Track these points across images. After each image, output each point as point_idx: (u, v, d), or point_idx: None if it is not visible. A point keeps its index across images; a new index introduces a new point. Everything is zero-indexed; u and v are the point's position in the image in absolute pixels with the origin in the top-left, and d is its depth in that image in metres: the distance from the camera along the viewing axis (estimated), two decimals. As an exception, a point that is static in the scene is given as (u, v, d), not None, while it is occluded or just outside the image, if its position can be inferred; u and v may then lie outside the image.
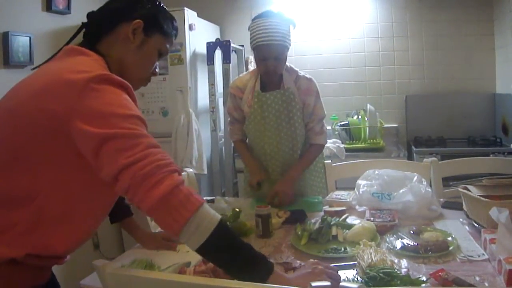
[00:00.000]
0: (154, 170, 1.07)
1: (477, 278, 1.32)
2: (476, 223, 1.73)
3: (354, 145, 3.79)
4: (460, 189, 1.84)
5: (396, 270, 1.32)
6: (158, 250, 1.71)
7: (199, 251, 1.11)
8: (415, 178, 2.09)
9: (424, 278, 1.31)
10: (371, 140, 3.77)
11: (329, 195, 2.30)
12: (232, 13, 4.27)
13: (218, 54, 3.79)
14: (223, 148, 3.86)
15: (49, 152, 1.14)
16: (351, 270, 1.43)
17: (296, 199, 2.28)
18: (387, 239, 1.65)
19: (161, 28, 1.40)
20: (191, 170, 2.49)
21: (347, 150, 3.66)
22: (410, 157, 3.69)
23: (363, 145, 3.77)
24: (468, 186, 1.83)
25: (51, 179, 1.16)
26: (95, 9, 1.43)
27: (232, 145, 3.74)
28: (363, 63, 4.21)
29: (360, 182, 2.14)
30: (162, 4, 1.45)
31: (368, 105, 3.84)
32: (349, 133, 3.91)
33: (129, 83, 1.27)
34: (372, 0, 4.17)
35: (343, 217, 1.88)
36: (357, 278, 1.34)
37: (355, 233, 1.69)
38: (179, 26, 3.42)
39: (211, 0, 4.32)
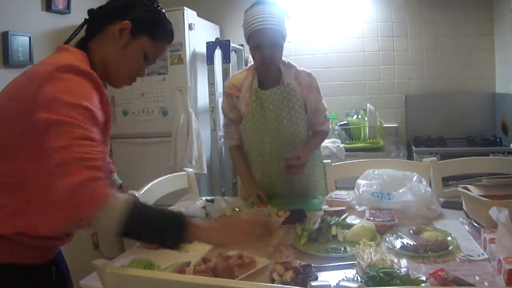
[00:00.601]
0: (70, 161, 1.09)
1: (477, 278, 1.33)
2: (476, 223, 1.73)
3: (353, 145, 3.79)
4: (460, 189, 1.84)
5: (395, 269, 1.32)
6: (158, 249, 1.70)
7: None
8: (414, 178, 2.09)
9: (423, 278, 1.31)
10: (371, 140, 3.77)
11: (328, 194, 2.29)
12: (232, 12, 4.27)
13: (218, 53, 3.79)
14: (223, 147, 3.86)
15: (27, 144, 1.22)
16: (351, 269, 1.43)
17: (296, 198, 2.28)
18: (387, 239, 1.65)
19: (150, 31, 1.44)
20: (191, 169, 2.49)
21: (346, 149, 3.65)
22: (410, 157, 3.69)
23: (362, 144, 3.77)
24: (468, 186, 1.83)
25: (33, 169, 1.22)
26: (106, 3, 1.48)
27: None
28: (362, 62, 4.21)
29: (360, 181, 2.14)
30: (160, 9, 1.48)
31: (368, 104, 3.84)
32: (349, 133, 3.90)
33: (112, 80, 1.46)
34: (372, -1, 4.17)
35: (343, 216, 1.88)
36: (357, 278, 1.34)
37: (355, 233, 1.69)
38: (179, 25, 3.50)
39: (211, 0, 4.33)
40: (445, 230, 1.72)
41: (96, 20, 1.46)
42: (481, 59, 4.00)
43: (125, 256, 1.67)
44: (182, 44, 3.57)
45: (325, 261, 1.53)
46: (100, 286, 1.08)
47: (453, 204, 2.07)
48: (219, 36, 3.96)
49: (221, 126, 3.79)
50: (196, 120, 3.62)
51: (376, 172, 2.15)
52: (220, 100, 3.79)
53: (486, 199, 1.65)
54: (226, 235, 1.29)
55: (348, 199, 2.15)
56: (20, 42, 2.98)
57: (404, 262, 1.47)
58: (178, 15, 3.55)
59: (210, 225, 1.35)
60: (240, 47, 4.09)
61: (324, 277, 1.39)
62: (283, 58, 2.28)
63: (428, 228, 1.73)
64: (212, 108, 3.75)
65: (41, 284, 1.41)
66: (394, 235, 1.66)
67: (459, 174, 2.36)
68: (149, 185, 2.15)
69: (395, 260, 1.42)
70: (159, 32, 1.47)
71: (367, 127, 3.79)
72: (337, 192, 2.31)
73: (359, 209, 2.05)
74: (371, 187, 2.06)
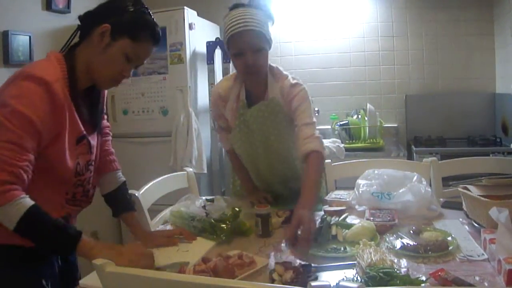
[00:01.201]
0: None
1: (477, 278, 1.32)
2: (476, 223, 1.73)
3: (354, 145, 3.79)
4: (460, 189, 1.83)
5: (395, 269, 1.31)
6: (159, 248, 1.70)
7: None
8: (414, 178, 2.09)
9: (423, 278, 1.31)
10: (371, 140, 3.77)
11: (328, 194, 2.29)
12: (232, 12, 4.25)
13: (218, 53, 3.79)
14: (223, 147, 3.84)
15: None
16: (351, 269, 1.43)
17: (296, 199, 2.27)
18: (387, 239, 1.64)
19: (131, 33, 1.48)
20: (191, 169, 2.48)
21: (346, 149, 3.65)
22: (410, 157, 3.69)
23: (363, 144, 3.77)
24: (468, 186, 1.82)
25: None
26: (94, 8, 1.53)
27: None
28: (363, 62, 4.21)
29: (360, 181, 2.13)
30: (142, 11, 1.52)
31: (368, 104, 3.84)
32: (349, 133, 3.91)
33: (97, 82, 1.55)
34: (372, -1, 4.17)
35: (343, 216, 1.88)
36: (356, 278, 1.34)
37: (355, 233, 1.68)
38: (179, 25, 3.50)
39: (211, 0, 4.32)
40: (445, 230, 1.71)
41: (84, 25, 1.52)
42: (481, 59, 4.01)
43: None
44: (182, 44, 3.58)
45: (325, 261, 1.53)
46: (99, 286, 1.08)
47: (453, 204, 2.06)
48: (219, 36, 3.96)
49: None
50: (196, 120, 3.63)
51: (376, 172, 2.15)
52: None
53: (486, 199, 1.65)
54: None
55: (348, 199, 2.14)
56: (20, 41, 2.99)
57: (404, 262, 1.46)
58: (178, 15, 3.56)
59: (97, 245, 1.42)
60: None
61: (324, 277, 1.39)
62: (273, 64, 2.12)
63: (428, 228, 1.72)
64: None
65: (44, 268, 1.52)
66: (394, 235, 1.66)
67: (459, 174, 2.36)
68: (149, 185, 2.15)
69: (395, 260, 1.42)
70: (140, 33, 1.50)
71: (367, 127, 3.79)
72: (337, 192, 2.31)
73: (359, 209, 2.05)
74: (371, 187, 2.05)
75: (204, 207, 1.96)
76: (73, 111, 1.46)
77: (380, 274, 1.25)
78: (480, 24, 3.98)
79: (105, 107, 1.77)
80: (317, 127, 2.03)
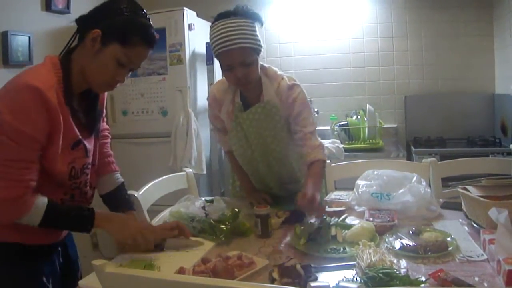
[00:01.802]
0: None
1: (476, 279, 1.32)
2: (475, 224, 1.73)
3: (353, 145, 3.79)
4: (459, 190, 1.84)
5: (395, 270, 1.31)
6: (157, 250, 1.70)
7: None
8: (414, 179, 2.09)
9: (423, 279, 1.31)
10: (370, 140, 3.77)
11: (328, 195, 2.29)
12: (232, 13, 4.25)
13: (217, 54, 3.78)
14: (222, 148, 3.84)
15: None
16: (350, 270, 1.43)
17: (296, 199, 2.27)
18: (386, 239, 1.65)
19: (120, 38, 1.47)
20: (190, 170, 2.48)
21: (346, 150, 3.65)
22: (409, 158, 3.69)
23: (362, 145, 3.77)
24: (467, 187, 1.83)
25: None
26: (89, 11, 1.54)
27: None
28: (362, 63, 4.22)
29: (359, 182, 2.13)
30: (135, 14, 1.50)
31: (367, 105, 3.84)
32: (348, 133, 3.91)
33: (92, 87, 1.54)
34: (372, 0, 4.17)
35: (342, 217, 1.88)
36: (356, 278, 1.34)
37: (354, 233, 1.68)
38: (179, 25, 3.50)
39: (210, 0, 4.31)
40: (444, 230, 1.71)
41: (80, 29, 1.52)
42: (480, 60, 4.01)
43: (125, 258, 1.66)
44: (181, 44, 3.57)
45: (324, 261, 1.53)
46: (99, 287, 1.07)
47: (452, 205, 2.06)
48: (218, 37, 3.95)
49: None
50: (196, 120, 3.62)
51: (375, 172, 2.15)
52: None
53: (486, 199, 1.65)
54: (119, 231, 1.61)
55: (347, 200, 2.14)
56: (19, 42, 2.98)
57: (403, 262, 1.46)
58: (177, 16, 3.56)
59: (111, 216, 1.66)
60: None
61: (324, 277, 1.39)
62: (265, 65, 2.11)
63: (428, 229, 1.72)
64: (212, 108, 3.72)
65: (45, 265, 1.55)
66: (394, 236, 1.66)
67: (458, 175, 2.36)
68: (148, 186, 2.15)
69: (395, 261, 1.42)
70: (131, 38, 1.48)
71: (367, 128, 3.79)
72: (336, 192, 2.31)
73: (359, 210, 2.04)
74: (371, 188, 2.05)
75: (203, 207, 1.96)
76: (67, 116, 1.46)
77: (379, 274, 1.25)
78: (480, 24, 3.98)
79: (104, 109, 1.77)
80: (316, 128, 2.08)
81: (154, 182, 2.21)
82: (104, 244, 3.63)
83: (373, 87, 4.22)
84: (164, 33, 3.55)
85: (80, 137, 1.53)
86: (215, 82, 3.61)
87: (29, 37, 3.05)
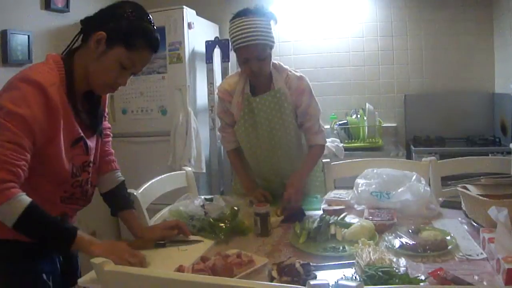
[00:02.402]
0: None
1: (476, 277, 1.32)
2: (475, 222, 1.73)
3: (353, 144, 3.79)
4: (459, 188, 1.83)
5: (394, 268, 1.31)
6: (157, 247, 1.70)
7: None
8: (413, 177, 2.09)
9: (422, 277, 1.31)
10: (370, 140, 3.77)
11: (327, 194, 2.29)
12: (231, 11, 4.20)
13: (217, 52, 3.79)
14: (222, 146, 3.82)
15: None
16: (350, 268, 1.42)
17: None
18: (386, 238, 1.64)
19: (126, 41, 1.48)
20: (189, 168, 2.48)
21: (346, 149, 3.65)
22: (409, 157, 3.68)
23: (362, 144, 3.77)
24: (467, 185, 1.82)
25: None
26: (93, 7, 1.55)
27: None
28: (362, 62, 4.21)
29: (359, 181, 2.13)
30: (141, 18, 1.51)
31: (367, 104, 3.84)
32: (348, 132, 3.91)
33: (93, 88, 1.55)
34: (372, -1, 4.17)
35: (342, 216, 1.87)
36: (355, 277, 1.34)
37: (354, 232, 1.68)
38: (178, 24, 3.50)
39: (210, -1, 4.33)
40: (444, 229, 1.71)
41: (84, 30, 1.52)
42: (480, 59, 4.01)
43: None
44: (181, 43, 3.57)
45: (323, 260, 1.53)
46: (98, 285, 1.07)
47: (452, 204, 2.06)
48: (218, 35, 3.96)
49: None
50: (195, 119, 3.62)
51: (375, 171, 2.15)
52: (219, 99, 3.80)
53: (485, 198, 1.65)
54: (105, 251, 1.41)
55: (347, 199, 2.14)
56: (19, 40, 2.98)
57: (403, 261, 1.46)
58: (177, 14, 3.56)
59: (94, 241, 1.48)
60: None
61: (323, 276, 1.39)
62: (275, 61, 2.26)
63: (427, 228, 1.72)
64: (211, 107, 3.75)
65: (45, 263, 1.54)
66: (393, 234, 1.66)
67: (458, 174, 2.36)
68: (147, 184, 2.15)
69: (394, 259, 1.42)
70: (136, 41, 1.49)
71: (366, 127, 3.78)
72: (336, 191, 2.31)
73: (358, 208, 2.05)
74: (370, 187, 2.05)
75: (202, 206, 1.96)
76: (70, 115, 1.47)
77: (379, 273, 1.25)
78: (480, 24, 3.98)
79: (106, 109, 1.79)
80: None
81: (153, 180, 2.21)
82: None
83: (373, 86, 4.21)
84: (163, 31, 3.55)
85: (82, 134, 1.54)
86: (214, 80, 3.67)
87: (29, 36, 3.05)
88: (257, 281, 0.95)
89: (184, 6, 3.59)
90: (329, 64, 4.24)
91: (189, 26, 3.62)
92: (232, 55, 3.92)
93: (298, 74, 2.25)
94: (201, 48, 3.77)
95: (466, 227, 1.78)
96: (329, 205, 2.09)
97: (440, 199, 2.18)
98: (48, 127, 1.40)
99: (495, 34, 3.93)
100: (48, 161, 1.45)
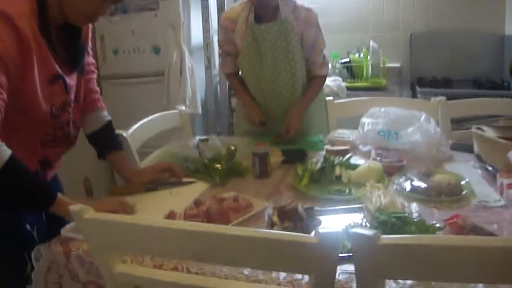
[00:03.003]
0: None
1: (495, 226, 1.20)
2: (491, 167, 1.60)
3: (355, 84, 3.63)
4: (474, 130, 1.71)
5: (408, 214, 1.19)
6: (148, 190, 1.60)
7: None
8: (422, 118, 1.94)
9: (438, 224, 1.19)
10: (373, 80, 3.61)
11: (330, 133, 2.17)
12: None
13: (212, -14, 3.58)
14: (218, 86, 3.72)
15: None
16: (357, 213, 1.31)
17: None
18: (395, 181, 1.52)
19: None
20: (183, 108, 2.33)
21: (348, 89, 3.49)
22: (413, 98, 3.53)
23: (365, 84, 3.62)
24: (483, 127, 1.69)
25: None
26: None
27: (228, 83, 3.59)
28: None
29: (365, 120, 2.00)
30: None
31: (371, 41, 3.66)
32: (351, 71, 3.75)
33: (69, 19, 1.39)
34: None
35: (347, 156, 1.75)
36: (365, 223, 1.21)
37: (361, 174, 1.56)
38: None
39: None
40: (457, 173, 1.58)
41: None
42: (491, -2, 3.78)
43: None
44: (174, -24, 3.35)
45: (328, 203, 1.41)
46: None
47: (463, 146, 1.93)
48: (213, -33, 3.73)
49: (217, 64, 3.69)
50: (190, 58, 3.45)
51: (382, 110, 2.00)
52: (215, 37, 3.64)
53: (505, 141, 1.52)
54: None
55: (351, 138, 2.02)
56: None
57: (414, 206, 1.35)
58: None
59: (74, 200, 1.31)
60: (237, -20, 3.85)
61: (328, 221, 1.28)
62: None
63: (440, 171, 1.60)
64: (207, 45, 3.58)
65: (29, 213, 1.46)
66: (403, 177, 1.53)
67: (467, 116, 2.23)
68: (137, 125, 2.00)
69: (406, 204, 1.30)
70: None
71: (370, 65, 3.62)
72: (340, 130, 2.18)
73: (364, 149, 1.93)
74: (377, 126, 1.92)
75: (197, 146, 1.83)
76: (43, 48, 1.31)
77: (392, 219, 1.12)
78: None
79: (89, 43, 1.61)
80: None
81: (144, 121, 2.07)
82: (98, 190, 3.54)
83: (377, 24, 3.98)
84: (155, -37, 3.34)
85: (59, 71, 1.38)
86: (210, 17, 3.49)
87: None
88: (256, 229, 0.83)
89: None
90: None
91: (183, -44, 3.39)
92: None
93: (306, 6, 2.19)
94: (196, -18, 3.56)
95: (480, 171, 1.66)
96: (333, 145, 1.96)
97: (449, 141, 2.04)
98: (20, 61, 1.25)
99: (508, -29, 3.70)
100: (24, 100, 1.31)
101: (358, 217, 1.28)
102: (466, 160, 1.79)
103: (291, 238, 0.79)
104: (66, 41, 1.43)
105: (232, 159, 1.74)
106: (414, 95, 3.58)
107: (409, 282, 0.94)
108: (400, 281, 0.94)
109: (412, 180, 1.49)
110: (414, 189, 1.44)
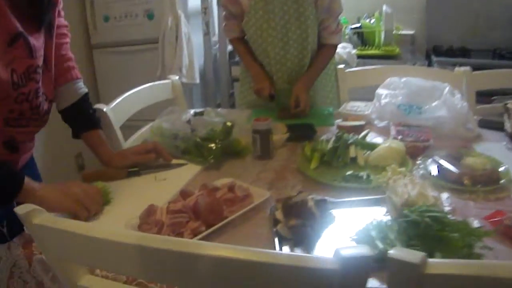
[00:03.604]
0: None
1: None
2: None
3: (366, 52, 3.41)
4: (510, 105, 1.47)
5: (444, 212, 0.96)
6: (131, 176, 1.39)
7: None
8: (446, 90, 1.70)
9: (477, 223, 0.96)
10: (385, 48, 3.37)
11: (342, 106, 1.95)
12: None
13: None
14: (218, 54, 3.51)
15: None
16: (379, 207, 1.08)
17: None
18: (421, 165, 1.29)
19: None
20: (176, 77, 2.09)
21: (358, 56, 3.28)
22: (429, 68, 3.30)
23: (376, 51, 3.39)
24: (515, 102, 1.46)
25: None
26: None
27: (228, 50, 3.42)
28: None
29: (381, 91, 1.76)
30: None
31: (383, 6, 3.40)
32: (362, 38, 3.52)
33: None
34: None
35: (363, 134, 1.52)
36: (389, 221, 0.98)
37: (381, 156, 1.33)
38: None
39: None
40: (491, 156, 1.35)
41: None
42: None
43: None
44: None
45: (342, 192, 1.19)
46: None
47: (491, 124, 1.69)
48: None
49: (216, 30, 3.50)
50: (186, 24, 3.24)
51: (402, 80, 1.76)
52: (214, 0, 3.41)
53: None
54: (54, 200, 1.15)
55: (366, 112, 1.78)
56: None
57: (445, 197, 1.12)
58: None
59: (43, 187, 1.16)
60: None
61: (342, 216, 1.05)
62: None
63: (472, 153, 1.36)
64: (205, 9, 3.37)
65: None
66: (430, 160, 1.30)
67: (495, 88, 2.11)
68: (121, 98, 1.76)
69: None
70: None
71: (383, 31, 3.39)
72: (352, 103, 1.94)
73: (380, 125, 1.70)
74: (396, 98, 1.69)
75: (189, 121, 1.59)
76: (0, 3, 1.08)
77: (425, 218, 0.88)
78: None
79: (61, 1, 1.36)
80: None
81: (129, 93, 1.82)
82: (90, 166, 3.36)
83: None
84: None
85: (20, 29, 1.14)
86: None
87: None
88: (247, 248, 0.60)
89: None
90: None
91: None
92: None
93: None
94: None
95: (515, 154, 1.42)
96: (345, 119, 1.73)
97: (475, 117, 1.79)
98: None
99: None
100: None
101: (379, 211, 1.05)
102: (497, 140, 1.56)
103: (300, 262, 0.56)
104: None
105: (228, 137, 1.51)
106: (429, 65, 3.33)
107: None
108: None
109: (440, 164, 1.26)
110: (443, 175, 1.21)
